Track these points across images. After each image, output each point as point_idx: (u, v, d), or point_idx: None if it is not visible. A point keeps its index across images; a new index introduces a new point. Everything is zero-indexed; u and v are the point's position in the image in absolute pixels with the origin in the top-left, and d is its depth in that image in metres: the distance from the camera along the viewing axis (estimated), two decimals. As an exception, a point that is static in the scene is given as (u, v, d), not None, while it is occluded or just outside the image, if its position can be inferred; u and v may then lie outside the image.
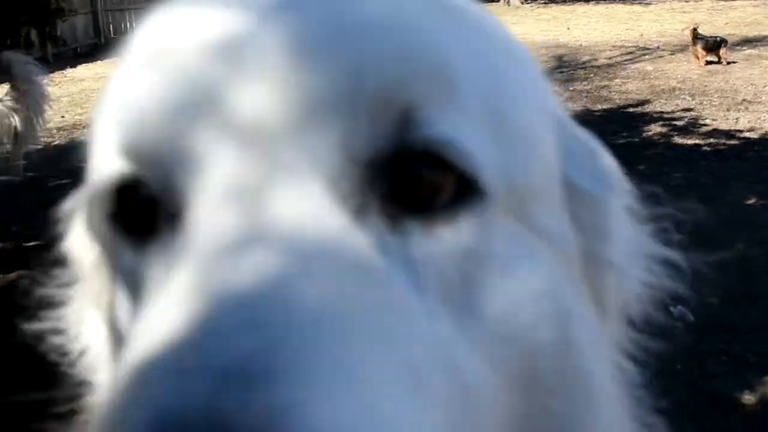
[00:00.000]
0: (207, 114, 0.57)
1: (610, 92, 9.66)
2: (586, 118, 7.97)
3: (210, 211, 0.56)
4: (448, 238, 0.58)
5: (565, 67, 11.17)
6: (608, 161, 0.74)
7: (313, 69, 0.57)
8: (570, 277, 0.66)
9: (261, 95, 0.57)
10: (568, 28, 16.20)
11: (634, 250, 0.75)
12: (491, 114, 0.61)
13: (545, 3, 23.45)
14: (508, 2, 23.42)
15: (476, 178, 0.58)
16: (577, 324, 0.64)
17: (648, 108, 8.78)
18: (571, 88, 9.85)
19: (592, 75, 10.67)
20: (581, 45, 13.02)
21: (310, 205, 0.55)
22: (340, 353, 0.47)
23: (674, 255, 0.79)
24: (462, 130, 0.59)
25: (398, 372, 0.50)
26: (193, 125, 0.58)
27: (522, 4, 23.45)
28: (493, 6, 20.61)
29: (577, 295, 0.66)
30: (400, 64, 0.58)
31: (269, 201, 0.55)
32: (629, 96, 9.40)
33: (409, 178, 0.58)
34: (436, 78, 0.59)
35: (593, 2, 22.11)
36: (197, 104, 0.58)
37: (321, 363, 0.45)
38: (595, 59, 11.75)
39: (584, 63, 11.51)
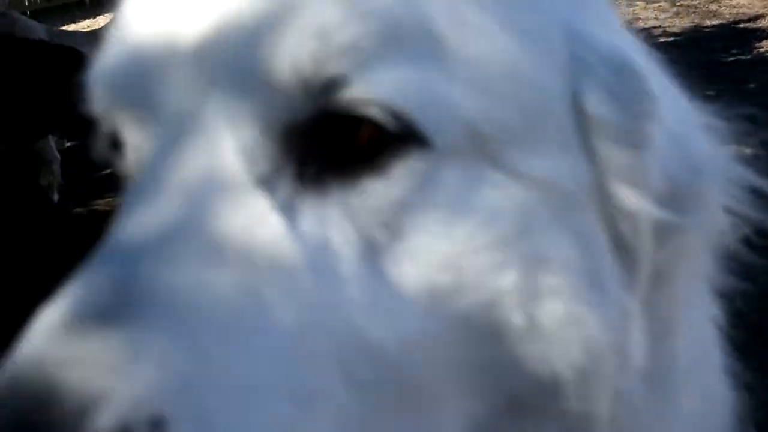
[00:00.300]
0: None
1: (720, 7, 9.18)
2: (695, 35, 7.65)
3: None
4: (375, 190, 0.57)
5: (672, -19, 10.67)
6: (649, 82, 0.65)
7: (231, 49, 0.59)
8: (560, 219, 0.61)
9: (183, 74, 0.60)
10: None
11: (711, 175, 0.68)
12: (442, 56, 0.59)
13: None
14: None
15: (410, 128, 0.57)
16: (552, 273, 0.61)
17: (761, 23, 8.31)
18: (678, 4, 9.40)
19: (701, -11, 10.15)
20: (690, -43, 12.37)
21: (215, 170, 0.58)
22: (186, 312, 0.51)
23: (763, 183, 0.72)
24: (393, 81, 0.57)
25: (262, 339, 0.53)
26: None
27: None
28: None
29: (567, 239, 0.62)
30: (319, 42, 0.57)
31: (179, 164, 0.58)
32: (741, 11, 8.91)
33: (332, 139, 0.58)
34: (364, 36, 0.57)
35: None
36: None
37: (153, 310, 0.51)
38: (705, -28, 11.16)
39: (693, -24, 10.95)
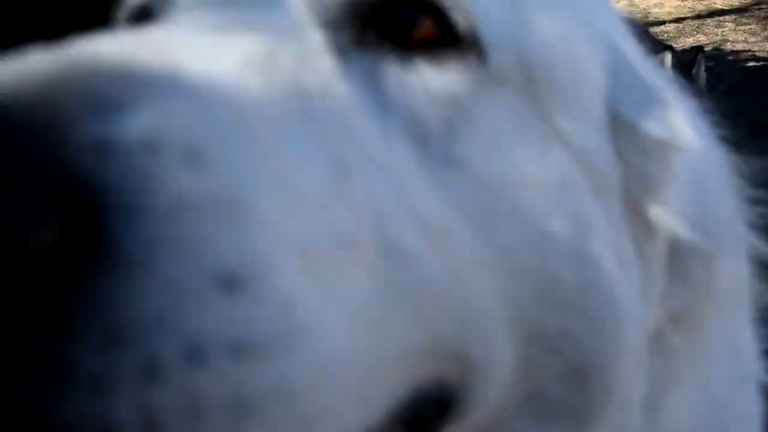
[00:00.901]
0: None
1: (814, 32, 8.92)
2: (785, 60, 7.43)
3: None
4: (433, 77, 0.57)
5: (765, 3, 10.41)
6: (679, 113, 0.68)
7: None
8: (598, 197, 0.63)
9: None
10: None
11: (722, 243, 0.68)
12: None
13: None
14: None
15: (474, 32, 0.59)
16: (597, 242, 0.61)
17: None
18: (770, 27, 9.17)
19: (794, 13, 9.87)
20: (785, -20, 12.04)
21: (285, 20, 0.57)
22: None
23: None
24: None
25: (313, 154, 0.48)
26: None
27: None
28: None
29: (604, 219, 0.63)
30: None
31: (253, 13, 0.57)
32: (835, 37, 8.64)
33: (398, 20, 0.59)
34: None
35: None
36: None
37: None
38: (800, -4, 10.84)
39: (786, 0, 10.66)
